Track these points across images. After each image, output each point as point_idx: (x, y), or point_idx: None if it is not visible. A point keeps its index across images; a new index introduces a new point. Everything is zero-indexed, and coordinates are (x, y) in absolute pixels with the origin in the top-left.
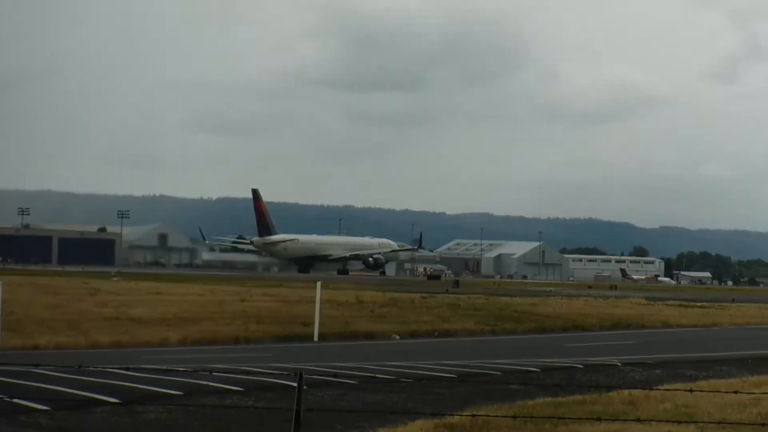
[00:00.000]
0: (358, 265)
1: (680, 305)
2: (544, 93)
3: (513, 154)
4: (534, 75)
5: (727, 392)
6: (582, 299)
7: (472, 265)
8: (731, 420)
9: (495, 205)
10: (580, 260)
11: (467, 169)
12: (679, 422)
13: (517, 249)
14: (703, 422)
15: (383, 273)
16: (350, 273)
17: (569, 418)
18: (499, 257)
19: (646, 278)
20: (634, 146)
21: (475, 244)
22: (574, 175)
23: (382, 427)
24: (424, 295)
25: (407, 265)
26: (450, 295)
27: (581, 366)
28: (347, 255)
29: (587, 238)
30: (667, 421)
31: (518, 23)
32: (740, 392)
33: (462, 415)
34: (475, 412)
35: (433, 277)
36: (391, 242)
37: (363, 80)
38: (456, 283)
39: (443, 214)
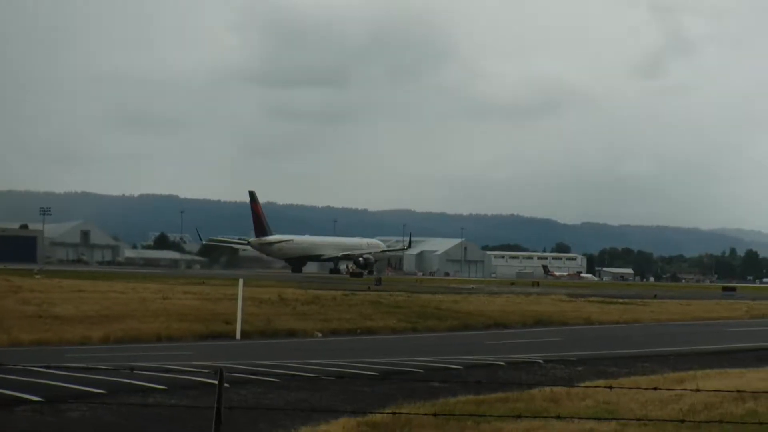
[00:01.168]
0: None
1: (602, 302)
2: (469, 89)
3: (437, 151)
4: (459, 71)
5: (648, 389)
6: (504, 296)
7: (394, 263)
8: (652, 417)
9: (417, 201)
10: (503, 257)
11: (390, 165)
12: (601, 419)
13: (440, 246)
14: (624, 419)
15: (371, 272)
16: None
17: (491, 416)
18: (421, 254)
19: (569, 275)
20: (559, 142)
21: (397, 241)
22: (497, 172)
23: (305, 426)
24: (346, 292)
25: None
26: (372, 293)
27: (503, 363)
28: (339, 255)
29: (510, 234)
30: (589, 418)
31: (444, 20)
32: (660, 389)
33: (384, 413)
34: (397, 410)
35: (356, 274)
36: (380, 243)
37: (287, 76)
38: (378, 281)
39: (365, 210)
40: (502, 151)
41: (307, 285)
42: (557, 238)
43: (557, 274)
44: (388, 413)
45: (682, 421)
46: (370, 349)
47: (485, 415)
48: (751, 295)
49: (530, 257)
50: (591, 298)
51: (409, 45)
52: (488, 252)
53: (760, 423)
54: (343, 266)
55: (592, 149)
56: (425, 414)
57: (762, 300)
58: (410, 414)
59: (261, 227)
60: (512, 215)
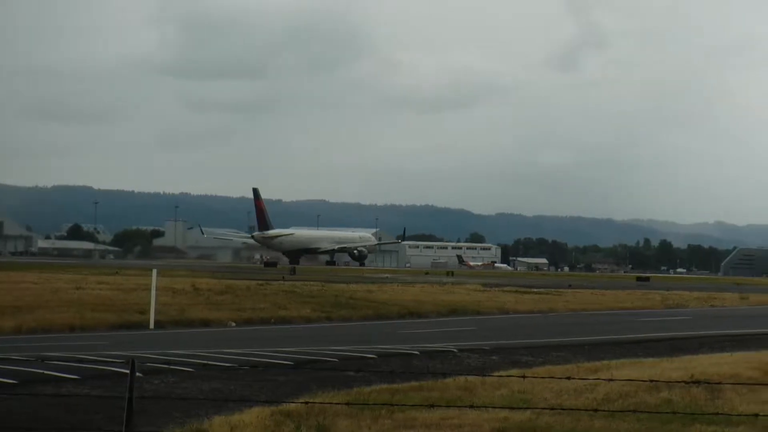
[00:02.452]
0: (345, 256)
1: (516, 291)
2: (385, 81)
3: (353, 142)
4: (375, 64)
5: (561, 378)
6: (419, 286)
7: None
8: (567, 406)
9: (333, 192)
10: (417, 247)
11: (305, 156)
12: (515, 408)
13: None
14: (539, 408)
15: (362, 264)
16: (337, 264)
17: (406, 405)
18: None
19: (483, 264)
20: (474, 134)
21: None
22: (412, 163)
23: (219, 415)
24: (260, 282)
25: (244, 253)
26: (286, 282)
27: (418, 353)
28: (335, 248)
29: (425, 224)
30: (503, 407)
31: (360, 12)
32: (574, 378)
33: (298, 402)
34: (311, 400)
35: (270, 264)
36: (370, 235)
37: (204, 68)
38: (292, 270)
39: (280, 201)
40: (417, 142)
41: (220, 275)
42: (472, 229)
43: (472, 264)
44: (301, 402)
45: (596, 410)
46: (284, 339)
47: (399, 405)
48: (665, 285)
49: (444, 247)
50: (505, 288)
51: (326, 37)
52: (403, 242)
53: (674, 412)
54: (344, 257)
55: (508, 140)
56: (339, 403)
57: (676, 290)
58: (324, 403)
59: (263, 222)
60: (427, 205)
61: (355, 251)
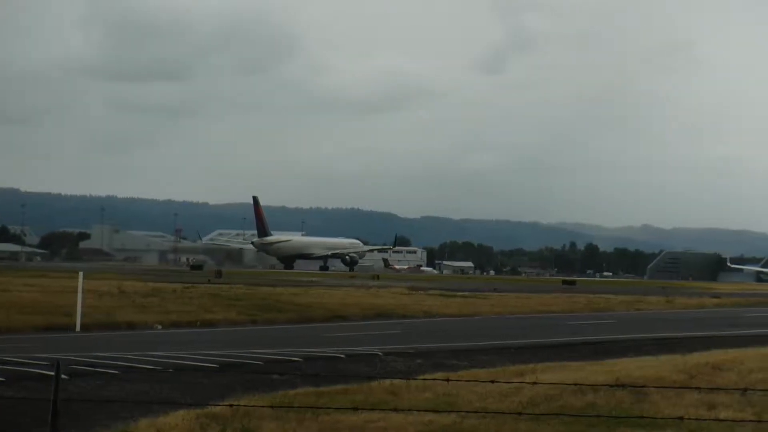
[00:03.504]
0: (337, 262)
1: (442, 295)
2: (315, 84)
3: (280, 144)
4: (305, 66)
5: (486, 381)
6: (344, 289)
7: (234, 256)
8: (491, 409)
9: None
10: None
11: (232, 158)
12: (441, 411)
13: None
14: (464, 411)
15: (352, 269)
16: (330, 269)
17: (330, 408)
18: None
19: (409, 268)
20: (402, 137)
21: (238, 234)
22: (339, 166)
23: (144, 417)
24: (186, 285)
25: (170, 256)
26: (212, 285)
27: (343, 356)
28: (328, 254)
29: (351, 227)
30: (428, 410)
31: (291, 15)
32: (498, 381)
33: (223, 405)
34: (236, 402)
35: (196, 267)
36: (359, 242)
37: (132, 70)
38: (218, 273)
39: (206, 204)
40: (344, 145)
41: (147, 278)
42: (398, 232)
43: (397, 267)
44: (227, 405)
45: (520, 413)
46: (209, 342)
47: (324, 407)
48: (591, 289)
49: (370, 251)
50: (431, 291)
51: (256, 40)
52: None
53: (599, 416)
54: (336, 262)
55: (435, 144)
56: (264, 406)
57: (601, 293)
58: (249, 406)
59: (262, 229)
60: (353, 209)
61: (347, 257)
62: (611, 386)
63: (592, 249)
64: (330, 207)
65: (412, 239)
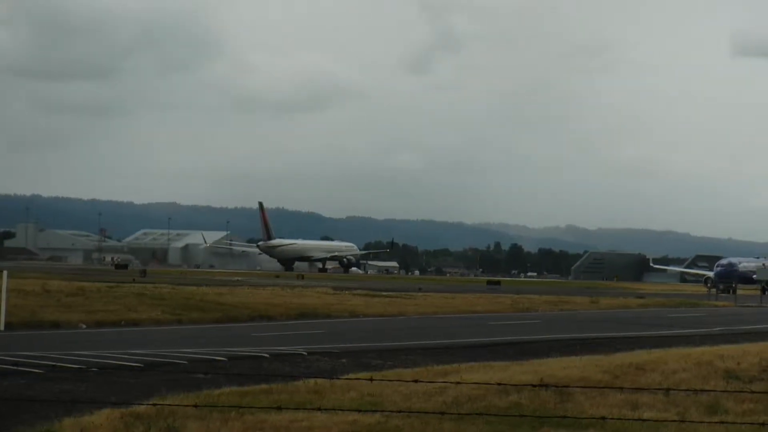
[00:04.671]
0: (334, 264)
1: (367, 294)
2: (238, 84)
3: (204, 144)
4: (228, 66)
5: (408, 381)
6: (269, 289)
7: (159, 255)
8: (416, 409)
9: (183, 194)
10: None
11: (156, 158)
12: (365, 411)
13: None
14: (388, 411)
15: (347, 271)
16: (328, 271)
17: (255, 407)
18: (186, 247)
19: (333, 268)
20: (326, 137)
21: (163, 234)
22: (264, 165)
23: (69, 417)
24: (111, 284)
25: (95, 255)
26: (137, 285)
27: (268, 355)
28: (327, 256)
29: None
30: (353, 410)
31: (214, 15)
32: (421, 381)
33: (147, 404)
34: (160, 402)
35: (121, 266)
36: (354, 246)
37: (56, 69)
38: (143, 273)
39: (131, 203)
40: (270, 144)
41: (71, 277)
42: (322, 232)
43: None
44: (151, 404)
45: (443, 413)
46: (134, 341)
47: (248, 407)
48: (515, 289)
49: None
50: (356, 291)
51: (179, 40)
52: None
53: (523, 415)
54: (330, 265)
55: (360, 144)
56: (188, 405)
57: (526, 293)
58: (173, 405)
59: (267, 233)
60: (278, 208)
61: (344, 259)
62: (535, 386)
63: (516, 249)
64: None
65: (336, 239)
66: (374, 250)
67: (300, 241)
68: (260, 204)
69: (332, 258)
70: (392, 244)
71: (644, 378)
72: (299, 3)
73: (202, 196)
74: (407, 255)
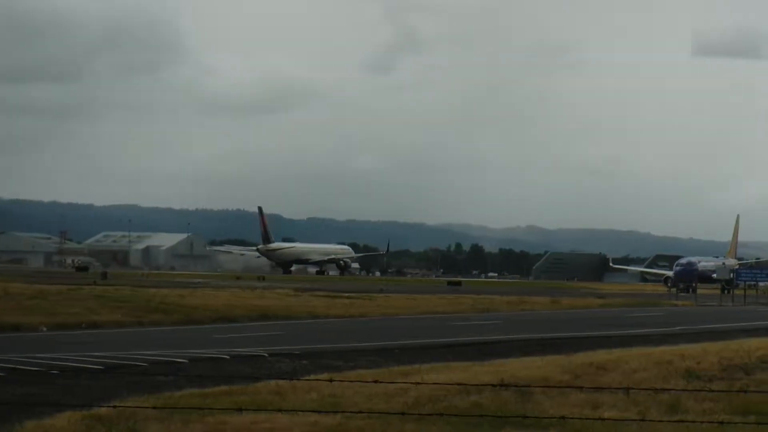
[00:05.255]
0: (332, 266)
1: (328, 296)
2: (199, 86)
3: (166, 146)
4: (189, 68)
5: (369, 382)
6: (230, 290)
7: (120, 257)
8: (377, 410)
9: (144, 196)
10: (230, 252)
11: (117, 160)
12: (326, 412)
13: (166, 241)
14: (349, 412)
15: (343, 273)
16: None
17: (216, 409)
18: (147, 249)
19: (297, 269)
20: (288, 138)
21: (124, 236)
22: (225, 167)
23: (30, 420)
24: (71, 287)
25: (56, 258)
26: (98, 287)
27: (229, 357)
28: (325, 259)
29: (237, 229)
30: (314, 411)
31: (176, 17)
32: (382, 381)
33: (109, 407)
34: (121, 404)
35: (82, 269)
36: (350, 249)
37: (16, 71)
38: (104, 275)
39: (91, 205)
40: (230, 146)
41: (32, 279)
42: (283, 233)
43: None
44: (112, 406)
45: (403, 413)
46: (95, 343)
47: (209, 408)
48: (476, 289)
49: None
50: (317, 293)
51: (141, 42)
52: (215, 247)
53: (484, 415)
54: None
55: (322, 144)
56: (149, 407)
57: (487, 294)
58: (134, 407)
59: (266, 236)
60: (239, 210)
61: (341, 262)
62: (495, 386)
63: (477, 250)
64: (216, 208)
65: (298, 240)
66: (372, 253)
67: (299, 245)
68: (259, 209)
69: (330, 261)
70: (388, 249)
71: (605, 378)
72: (262, 4)
73: (164, 198)
74: (368, 255)
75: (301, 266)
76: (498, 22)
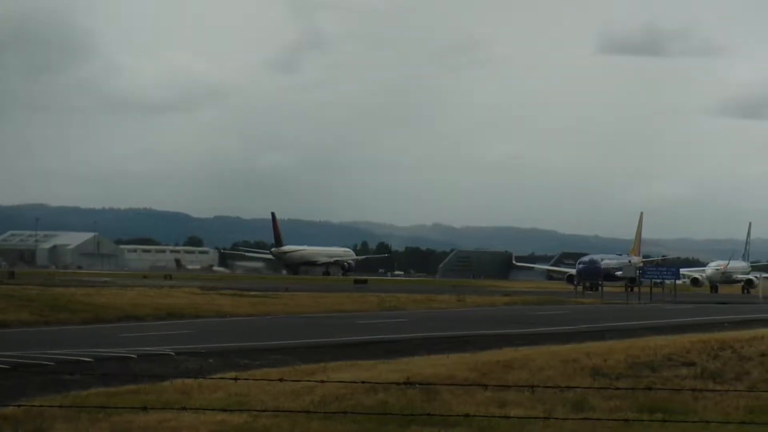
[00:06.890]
0: (336, 268)
1: (234, 295)
2: (106, 84)
3: (72, 145)
4: (97, 67)
5: (275, 380)
6: (137, 289)
7: (27, 256)
8: (284, 408)
9: (52, 195)
10: (135, 251)
11: (24, 159)
12: (233, 411)
13: (73, 240)
14: (256, 411)
15: (345, 274)
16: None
17: (122, 408)
18: (54, 248)
19: (202, 268)
20: (196, 136)
21: (31, 235)
22: (132, 166)
23: None
24: None
25: None
26: (4, 286)
27: (135, 356)
28: (330, 261)
29: (143, 228)
30: (221, 410)
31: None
32: (287, 380)
33: (14, 406)
34: (27, 403)
35: None
36: (351, 251)
37: None
38: (11, 274)
39: None
40: (137, 145)
41: None
42: (190, 232)
43: (190, 267)
44: (18, 406)
45: (309, 412)
46: (1, 343)
47: (116, 407)
48: (383, 288)
49: (163, 251)
50: (223, 291)
51: (48, 41)
52: (122, 246)
53: (390, 413)
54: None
55: (228, 143)
56: (55, 406)
57: (393, 292)
58: (41, 406)
59: (279, 240)
60: (146, 209)
61: (346, 264)
62: (400, 384)
63: (383, 248)
64: (123, 207)
65: (204, 239)
66: (374, 255)
67: (308, 248)
68: (272, 214)
69: (335, 263)
70: (389, 251)
71: (511, 375)
72: (169, 3)
73: (71, 197)
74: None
75: (303, 267)
76: (405, 21)
